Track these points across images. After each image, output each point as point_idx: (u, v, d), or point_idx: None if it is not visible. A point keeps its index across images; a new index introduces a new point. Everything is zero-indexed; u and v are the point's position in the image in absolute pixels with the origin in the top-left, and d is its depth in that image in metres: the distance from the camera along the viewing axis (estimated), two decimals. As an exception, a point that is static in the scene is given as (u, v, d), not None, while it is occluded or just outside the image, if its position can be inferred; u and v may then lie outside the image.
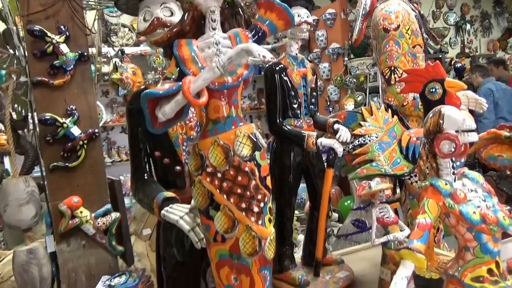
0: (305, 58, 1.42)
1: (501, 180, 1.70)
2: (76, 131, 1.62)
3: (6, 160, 6.15)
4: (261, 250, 0.79)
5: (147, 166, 1.16)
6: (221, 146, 0.80)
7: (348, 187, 4.10)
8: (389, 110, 1.45)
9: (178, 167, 1.12)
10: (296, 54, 1.39)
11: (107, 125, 4.61)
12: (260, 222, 0.80)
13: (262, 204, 0.80)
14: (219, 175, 0.80)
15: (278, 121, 1.32)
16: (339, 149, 1.26)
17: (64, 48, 1.60)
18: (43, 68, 1.60)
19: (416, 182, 1.42)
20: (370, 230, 1.19)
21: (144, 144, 1.14)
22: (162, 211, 0.98)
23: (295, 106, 1.35)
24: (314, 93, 1.44)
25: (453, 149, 0.83)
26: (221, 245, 0.81)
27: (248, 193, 0.79)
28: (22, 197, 1.51)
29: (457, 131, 0.84)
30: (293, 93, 1.34)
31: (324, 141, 1.27)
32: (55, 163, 1.60)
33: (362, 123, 1.41)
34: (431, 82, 1.21)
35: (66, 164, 1.62)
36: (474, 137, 0.84)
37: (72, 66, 1.61)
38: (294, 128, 1.34)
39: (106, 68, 4.23)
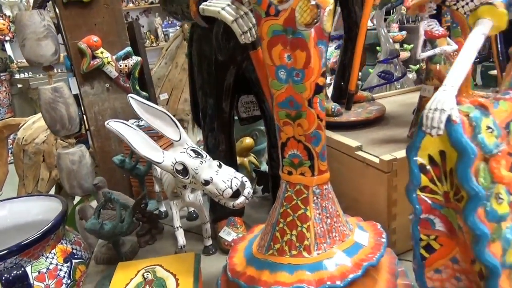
0: None
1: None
2: (87, -41, 1.47)
3: (7, 46, 5.92)
4: (318, 20, 0.73)
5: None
6: None
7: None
8: None
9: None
10: None
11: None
12: (319, -14, 0.72)
13: (321, -33, 0.71)
14: None
15: None
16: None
17: None
18: None
19: (463, 7, 1.31)
20: (417, 44, 1.12)
21: None
22: (201, 6, 0.91)
23: None
24: None
25: None
26: (274, 20, 0.74)
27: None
28: (40, 30, 1.43)
29: None
30: None
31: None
32: (68, -4, 1.49)
33: None
34: None
35: (81, -2, 1.51)
36: None
37: None
38: None
39: None
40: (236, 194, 0.95)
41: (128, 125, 0.94)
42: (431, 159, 0.66)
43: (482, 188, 0.61)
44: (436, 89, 1.15)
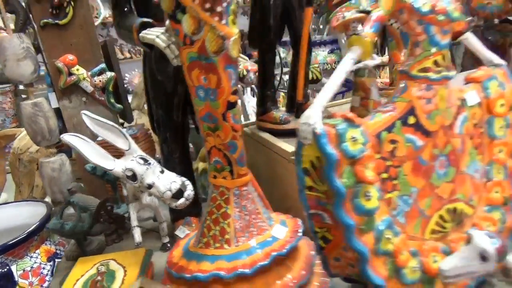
0: None
1: (487, 29, 1.70)
2: (61, -14, 1.62)
3: None
4: (225, 49, 0.86)
5: (126, 1, 1.20)
6: None
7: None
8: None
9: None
10: None
11: (107, 21, 4.47)
12: (223, 21, 0.85)
13: (225, 4, 0.85)
14: (182, -24, 0.84)
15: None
16: (316, -17, 1.27)
17: None
18: None
19: (396, 22, 1.44)
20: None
21: (121, -23, 1.17)
22: (141, 34, 1.05)
23: None
24: None
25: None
26: (190, 48, 0.88)
27: (210, -8, 0.83)
28: (19, 52, 1.58)
29: None
30: None
31: (301, -25, 1.27)
32: (45, 20, 1.64)
33: (344, -38, 1.38)
34: None
35: (56, 21, 1.66)
36: None
37: None
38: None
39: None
40: (180, 196, 1.09)
41: (81, 138, 1.09)
42: (312, 163, 0.79)
43: (344, 187, 0.74)
44: (362, 99, 1.29)
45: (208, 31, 0.85)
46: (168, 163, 1.36)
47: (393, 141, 0.83)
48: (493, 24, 1.69)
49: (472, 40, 1.03)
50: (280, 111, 1.51)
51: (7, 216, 1.88)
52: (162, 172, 1.11)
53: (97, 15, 4.37)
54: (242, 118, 1.99)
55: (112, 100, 1.82)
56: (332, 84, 0.77)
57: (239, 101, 2.09)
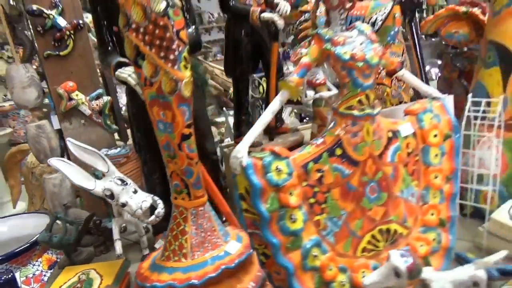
0: None
1: (456, 56, 1.79)
2: (62, 21, 1.82)
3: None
4: (178, 90, 1.00)
5: (109, 41, 1.36)
6: (140, 4, 0.97)
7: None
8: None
9: (133, 40, 1.32)
10: None
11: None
12: (176, 67, 1.00)
13: (176, 53, 0.99)
14: (141, 29, 0.99)
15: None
16: (279, 22, 1.39)
17: None
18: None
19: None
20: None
21: (104, 20, 1.33)
22: (116, 72, 1.21)
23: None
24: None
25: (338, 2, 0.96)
26: (150, 88, 1.02)
27: (164, 43, 0.98)
28: (24, 80, 1.78)
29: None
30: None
31: (265, 15, 1.40)
32: (48, 52, 1.84)
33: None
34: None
35: (58, 52, 1.85)
36: (356, -13, 0.96)
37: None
38: (244, 6, 1.47)
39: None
40: (152, 213, 1.23)
41: (65, 161, 1.25)
42: (246, 189, 0.92)
43: (268, 211, 0.87)
44: (319, 126, 1.41)
45: (163, 75, 1.00)
46: (148, 184, 1.50)
47: (319, 170, 0.95)
48: (462, 51, 1.79)
49: (408, 76, 1.14)
50: (254, 135, 1.64)
51: (15, 227, 2.07)
52: (135, 192, 1.25)
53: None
54: (228, 139, 2.13)
55: (109, 122, 1.99)
56: (261, 122, 0.90)
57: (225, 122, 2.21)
